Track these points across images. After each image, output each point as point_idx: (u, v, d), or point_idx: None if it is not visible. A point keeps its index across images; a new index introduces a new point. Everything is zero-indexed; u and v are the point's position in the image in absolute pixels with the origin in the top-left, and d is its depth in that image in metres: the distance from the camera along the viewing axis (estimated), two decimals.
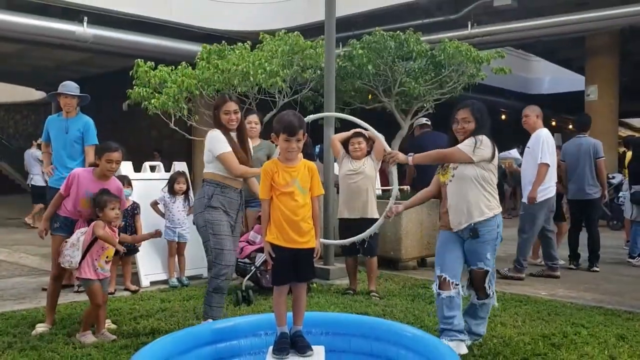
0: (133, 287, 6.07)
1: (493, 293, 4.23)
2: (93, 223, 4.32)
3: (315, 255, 3.46)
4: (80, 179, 4.46)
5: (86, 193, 4.44)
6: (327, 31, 6.64)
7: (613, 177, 11.72)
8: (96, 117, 6.26)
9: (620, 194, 11.19)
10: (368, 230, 5.32)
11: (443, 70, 7.51)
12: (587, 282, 6.72)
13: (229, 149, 4.34)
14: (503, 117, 22.43)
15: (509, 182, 13.89)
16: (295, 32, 7.84)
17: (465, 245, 4.13)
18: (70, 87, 5.89)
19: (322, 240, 4.08)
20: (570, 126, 24.45)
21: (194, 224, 4.55)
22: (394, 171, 4.79)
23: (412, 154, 4.29)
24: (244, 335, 3.70)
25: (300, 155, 3.49)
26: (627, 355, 4.05)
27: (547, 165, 6.56)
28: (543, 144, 6.59)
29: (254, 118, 6.42)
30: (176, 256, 6.50)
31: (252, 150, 4.66)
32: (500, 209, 4.20)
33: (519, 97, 21.64)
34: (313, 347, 3.35)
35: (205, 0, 13.31)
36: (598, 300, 5.78)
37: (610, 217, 12.12)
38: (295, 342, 3.35)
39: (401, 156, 4.29)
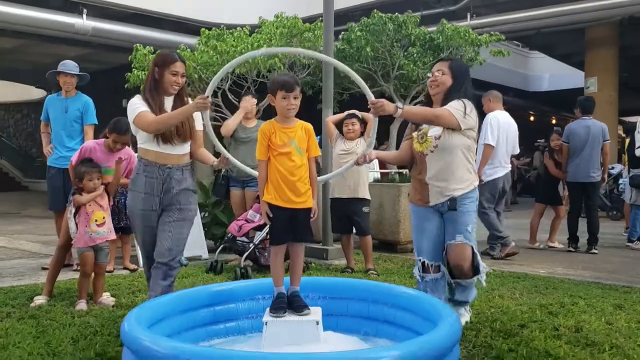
0: (132, 266, 6.08)
1: (482, 267, 3.92)
2: (72, 198, 4.52)
3: (312, 216, 3.48)
4: (92, 152, 4.70)
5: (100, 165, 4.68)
6: (325, 13, 6.63)
7: (612, 168, 11.72)
8: (96, 113, 6.26)
9: (620, 180, 11.19)
10: (336, 171, 5.00)
11: (441, 53, 7.52)
12: (585, 262, 6.73)
13: (143, 107, 3.70)
14: None
15: None
16: (294, 14, 7.85)
17: (445, 218, 3.85)
18: (69, 65, 5.93)
19: (318, 177, 3.87)
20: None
21: None
22: (375, 120, 4.24)
23: (402, 105, 4.05)
24: (241, 299, 3.70)
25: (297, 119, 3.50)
26: (624, 321, 4.06)
27: (491, 146, 6.78)
28: (487, 125, 6.84)
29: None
30: None
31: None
32: (478, 179, 4.06)
33: (519, 94, 21.66)
34: (310, 307, 3.36)
35: None
36: (596, 277, 5.78)
37: (610, 207, 12.12)
38: (292, 302, 3.35)
39: (389, 106, 3.64)
